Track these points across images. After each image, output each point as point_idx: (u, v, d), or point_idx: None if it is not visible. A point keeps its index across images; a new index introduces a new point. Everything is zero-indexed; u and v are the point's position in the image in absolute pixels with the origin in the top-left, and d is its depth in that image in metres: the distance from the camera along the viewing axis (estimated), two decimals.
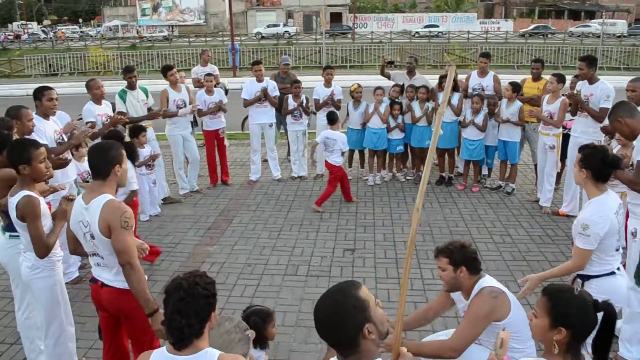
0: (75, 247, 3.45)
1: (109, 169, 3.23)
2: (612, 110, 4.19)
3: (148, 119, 7.56)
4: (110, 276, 3.32)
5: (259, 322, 3.64)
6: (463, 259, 3.28)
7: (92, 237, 3.22)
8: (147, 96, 7.69)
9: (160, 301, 3.57)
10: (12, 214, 3.56)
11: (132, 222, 3.19)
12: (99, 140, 6.68)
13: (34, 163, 3.58)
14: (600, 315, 2.17)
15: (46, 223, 3.61)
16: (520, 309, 3.19)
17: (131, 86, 7.55)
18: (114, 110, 7.09)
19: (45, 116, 5.42)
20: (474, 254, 3.34)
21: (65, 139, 5.62)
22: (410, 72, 9.08)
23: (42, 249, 3.54)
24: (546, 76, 7.81)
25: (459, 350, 3.14)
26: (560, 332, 2.12)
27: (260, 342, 3.60)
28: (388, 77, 9.25)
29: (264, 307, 3.84)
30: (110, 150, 3.28)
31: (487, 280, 3.33)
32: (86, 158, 6.19)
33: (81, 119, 6.78)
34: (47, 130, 5.31)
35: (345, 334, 1.87)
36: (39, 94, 5.42)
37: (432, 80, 9.44)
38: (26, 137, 4.60)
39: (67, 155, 5.48)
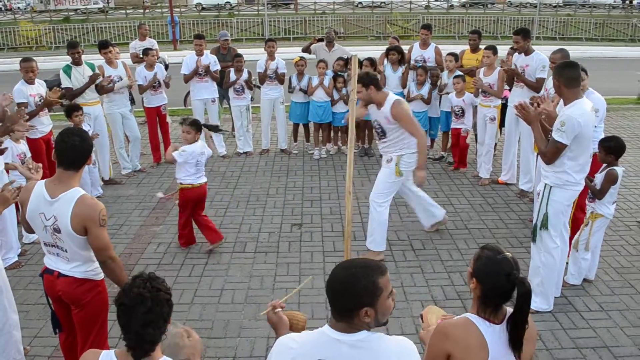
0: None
1: (84, 160, 3.18)
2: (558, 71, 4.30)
3: (91, 84, 7.30)
4: (69, 267, 3.26)
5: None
6: (369, 81, 5.19)
7: (57, 231, 3.13)
8: (93, 71, 7.42)
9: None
10: None
11: (106, 218, 3.17)
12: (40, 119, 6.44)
13: None
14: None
15: None
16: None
17: (76, 62, 7.27)
18: (49, 88, 6.78)
19: None
20: (375, 77, 5.36)
21: None
22: (330, 44, 9.09)
23: None
24: (484, 46, 7.96)
25: (424, 134, 5.62)
26: (473, 282, 2.33)
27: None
28: (309, 52, 9.24)
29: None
30: (87, 139, 3.22)
31: (393, 95, 5.38)
32: (23, 141, 6.00)
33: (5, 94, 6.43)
34: None
35: (347, 304, 2.00)
36: None
37: (372, 52, 9.48)
38: None
39: (2, 139, 5.19)
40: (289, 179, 7.89)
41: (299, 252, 5.75)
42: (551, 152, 4.25)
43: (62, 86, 7.30)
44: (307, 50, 9.31)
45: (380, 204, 5.51)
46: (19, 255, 5.72)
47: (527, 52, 6.78)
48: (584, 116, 4.12)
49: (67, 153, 3.13)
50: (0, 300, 3.71)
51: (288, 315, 2.50)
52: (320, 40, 9.49)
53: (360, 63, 8.53)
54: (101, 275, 3.39)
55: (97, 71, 7.43)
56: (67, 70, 7.26)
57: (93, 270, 3.32)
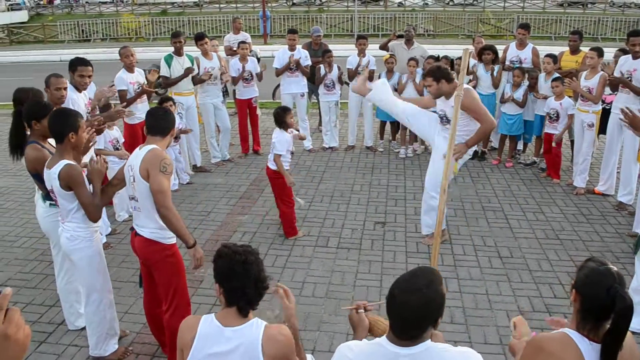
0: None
1: (169, 129, 3.66)
2: None
3: (185, 77, 7.62)
4: (141, 222, 3.61)
5: (280, 112, 6.03)
6: (440, 75, 5.13)
7: (134, 179, 3.52)
8: (192, 64, 7.73)
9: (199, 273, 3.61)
10: (55, 183, 3.61)
11: (171, 169, 3.50)
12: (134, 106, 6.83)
13: (80, 132, 3.67)
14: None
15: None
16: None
17: (177, 52, 7.62)
18: (148, 71, 7.13)
19: (78, 89, 5.43)
20: (447, 70, 5.21)
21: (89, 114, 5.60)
22: (409, 42, 8.91)
23: (95, 211, 3.70)
24: (584, 49, 7.55)
25: (493, 122, 5.26)
26: (573, 294, 2.23)
27: (283, 126, 5.97)
28: (387, 49, 9.07)
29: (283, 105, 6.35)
30: (171, 114, 3.78)
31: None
32: (116, 127, 6.32)
33: (113, 85, 6.79)
34: (79, 102, 5.32)
35: (424, 325, 1.98)
36: (72, 66, 5.42)
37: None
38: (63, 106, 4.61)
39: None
40: (373, 176, 7.84)
41: (381, 251, 5.70)
42: None
43: (161, 74, 7.66)
44: (384, 47, 9.16)
45: (433, 197, 5.63)
46: (109, 234, 6.04)
47: (635, 55, 6.36)
48: None
49: (150, 122, 3.66)
50: (98, 281, 3.90)
51: (371, 319, 2.48)
52: (400, 37, 9.35)
53: (437, 59, 8.41)
54: (171, 240, 3.65)
55: (194, 64, 7.73)
56: (169, 59, 7.60)
57: (160, 232, 3.59)
